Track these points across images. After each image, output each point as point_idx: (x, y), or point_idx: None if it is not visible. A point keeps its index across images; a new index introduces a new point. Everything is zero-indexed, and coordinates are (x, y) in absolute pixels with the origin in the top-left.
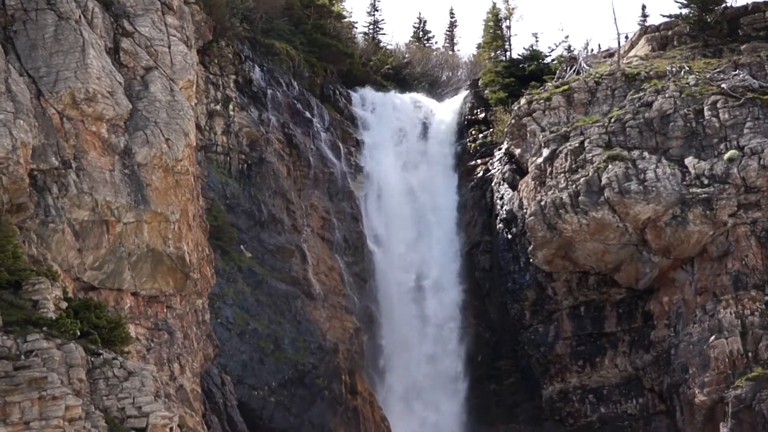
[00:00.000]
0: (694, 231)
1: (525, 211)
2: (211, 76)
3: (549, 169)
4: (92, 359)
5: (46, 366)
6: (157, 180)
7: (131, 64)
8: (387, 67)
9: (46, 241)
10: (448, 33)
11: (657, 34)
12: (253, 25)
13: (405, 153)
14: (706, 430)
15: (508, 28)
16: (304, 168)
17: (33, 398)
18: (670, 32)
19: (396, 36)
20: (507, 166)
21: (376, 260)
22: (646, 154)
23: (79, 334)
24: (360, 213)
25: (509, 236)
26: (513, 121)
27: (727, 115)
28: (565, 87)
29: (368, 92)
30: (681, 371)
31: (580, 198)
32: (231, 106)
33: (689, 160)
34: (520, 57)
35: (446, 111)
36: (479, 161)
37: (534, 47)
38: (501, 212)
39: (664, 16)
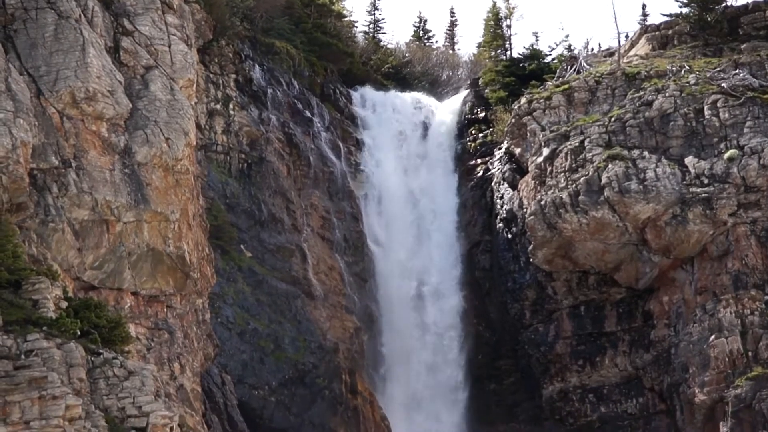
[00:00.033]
0: (694, 230)
1: (525, 210)
2: (211, 75)
3: (549, 169)
4: (92, 359)
5: (46, 365)
6: (157, 179)
7: (131, 63)
8: (387, 66)
9: (46, 240)
10: (448, 32)
11: (657, 33)
12: (253, 24)
13: (405, 156)
14: (706, 430)
15: (509, 27)
16: (304, 167)
17: (33, 398)
18: (670, 31)
19: (396, 35)
20: (507, 166)
21: (376, 260)
22: (646, 153)
23: (79, 333)
24: (360, 212)
25: (509, 236)
26: (513, 120)
27: (727, 115)
28: (566, 86)
29: (368, 91)
30: (681, 371)
31: (580, 197)
32: (231, 106)
33: (689, 160)
34: (520, 56)
35: (446, 110)
36: (479, 160)
37: (534, 46)
38: (501, 212)
39: (664, 15)
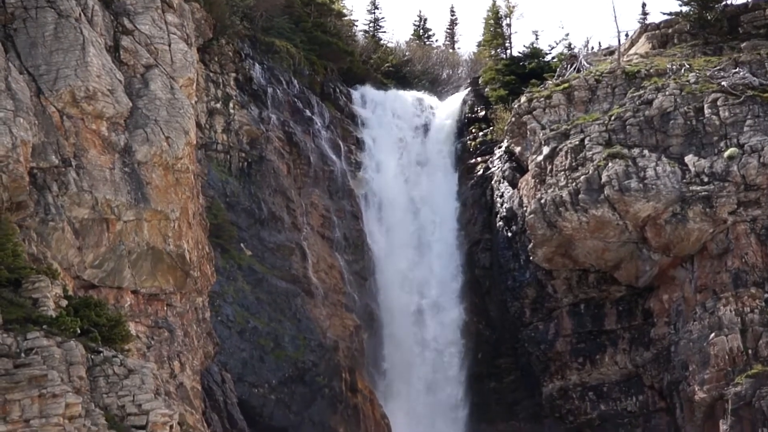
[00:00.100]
0: (694, 229)
1: (525, 209)
2: (211, 74)
3: (549, 167)
4: (92, 357)
5: (46, 364)
6: (157, 178)
7: (131, 62)
8: (387, 65)
9: (46, 239)
10: (448, 31)
11: (657, 32)
12: (253, 23)
13: (406, 164)
14: (706, 427)
15: (509, 26)
16: (304, 166)
17: (33, 396)
18: (670, 30)
19: (396, 34)
20: (507, 164)
21: (376, 260)
22: (646, 152)
23: (79, 332)
24: (360, 211)
25: (509, 234)
26: (513, 119)
27: (727, 113)
28: (566, 85)
29: (369, 91)
30: (681, 368)
31: (580, 196)
32: (231, 104)
33: (689, 158)
34: (520, 55)
35: (447, 109)
36: (479, 159)
37: (534, 45)
38: (501, 210)
39: (664, 14)
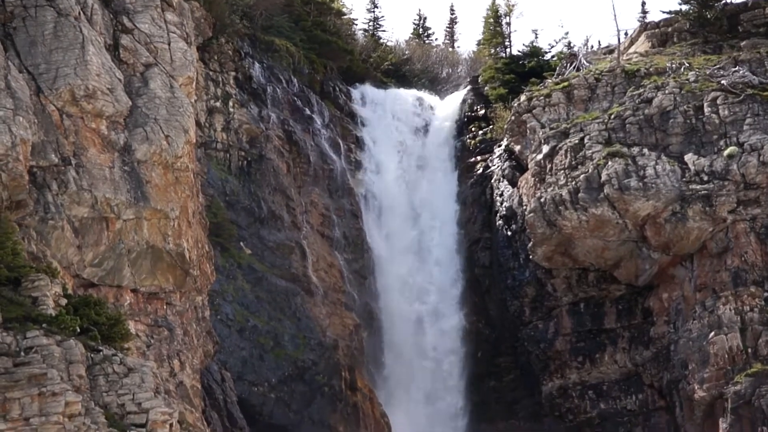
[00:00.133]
0: (694, 227)
1: (525, 207)
2: (210, 73)
3: (549, 166)
4: (92, 356)
5: (45, 362)
6: (156, 177)
7: (131, 61)
8: (387, 63)
9: (45, 237)
10: (448, 30)
11: (657, 30)
12: (252, 22)
13: (406, 168)
14: (706, 426)
15: (508, 24)
16: (304, 165)
17: (33, 394)
18: (669, 29)
19: (396, 33)
20: (507, 163)
21: (375, 257)
22: (645, 150)
23: (78, 330)
24: (360, 210)
25: (509, 233)
26: (513, 117)
27: (726, 112)
28: (565, 83)
29: (369, 90)
30: (680, 367)
31: (579, 195)
32: (231, 103)
33: (689, 157)
34: (520, 54)
35: (446, 108)
36: (479, 158)
37: (534, 44)
38: (501, 209)
39: (663, 12)
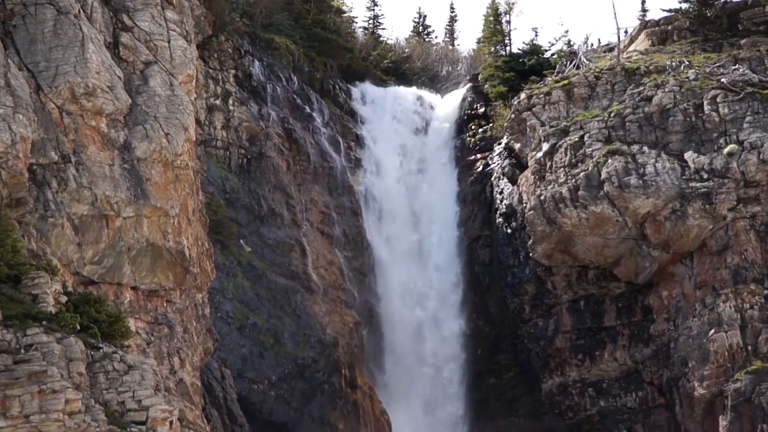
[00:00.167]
0: (694, 225)
1: (524, 205)
2: (210, 71)
3: (549, 164)
4: (92, 353)
5: (45, 360)
6: (156, 174)
7: (131, 59)
8: (387, 61)
9: (45, 235)
10: (448, 27)
11: (657, 28)
12: (252, 20)
13: (406, 173)
14: (706, 424)
15: (508, 22)
16: (304, 163)
17: (33, 392)
18: (669, 27)
19: (396, 30)
20: (507, 161)
21: (375, 254)
22: (645, 148)
23: (78, 328)
24: (360, 208)
25: (509, 230)
26: (513, 115)
27: (726, 110)
28: (565, 81)
29: (368, 87)
30: (680, 365)
31: (579, 192)
32: (230, 101)
33: (689, 155)
34: (519, 52)
35: (446, 106)
36: (479, 156)
37: (534, 42)
38: (501, 207)
39: (663, 10)
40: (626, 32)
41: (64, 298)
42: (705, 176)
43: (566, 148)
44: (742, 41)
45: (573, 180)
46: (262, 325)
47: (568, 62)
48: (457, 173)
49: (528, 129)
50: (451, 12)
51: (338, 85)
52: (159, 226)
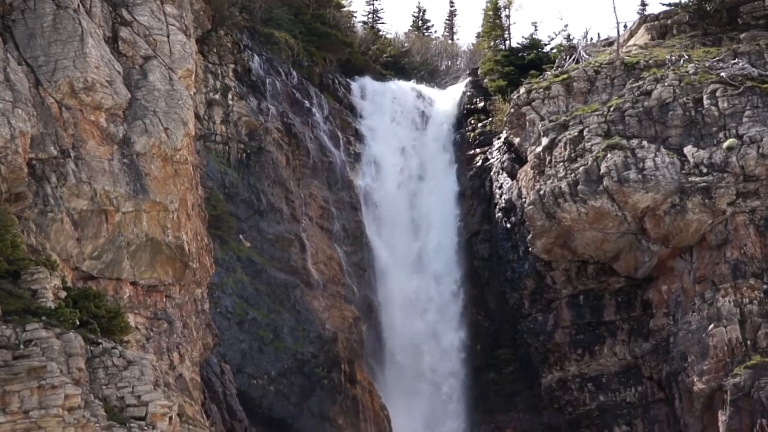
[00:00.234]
0: (693, 220)
1: (524, 200)
2: (209, 66)
3: (548, 158)
4: (91, 348)
5: (45, 355)
6: (155, 169)
7: (130, 54)
8: (386, 56)
9: (44, 230)
10: (447, 22)
11: (656, 22)
12: (252, 15)
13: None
14: (705, 418)
15: (508, 17)
16: (303, 157)
17: (32, 387)
18: (669, 21)
19: (395, 25)
20: (506, 155)
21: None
22: (645, 142)
23: (78, 323)
24: (359, 202)
25: (508, 225)
26: (512, 110)
27: (726, 104)
28: (565, 76)
29: (368, 82)
30: (680, 359)
31: (579, 187)
32: (230, 96)
33: (688, 149)
34: (519, 46)
35: (446, 101)
36: (478, 150)
37: (533, 36)
38: (500, 201)
39: (663, 4)
40: (626, 26)
41: (63, 294)
42: (704, 170)
43: (565, 143)
44: (742, 35)
45: (572, 174)
46: (262, 320)
47: (568, 56)
48: (457, 168)
49: (527, 123)
50: (451, 6)
51: (337, 80)
52: (158, 221)
